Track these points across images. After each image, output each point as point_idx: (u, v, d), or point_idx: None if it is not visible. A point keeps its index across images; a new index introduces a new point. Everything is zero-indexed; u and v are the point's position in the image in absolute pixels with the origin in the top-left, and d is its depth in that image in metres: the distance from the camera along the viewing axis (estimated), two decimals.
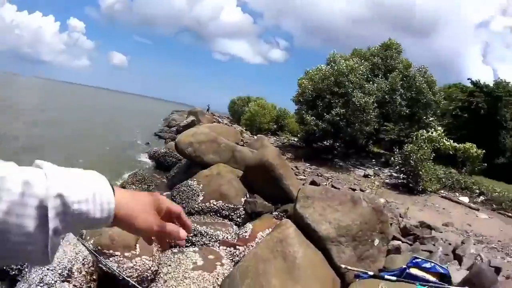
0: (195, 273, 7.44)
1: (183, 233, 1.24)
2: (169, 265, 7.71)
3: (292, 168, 16.40)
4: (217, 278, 7.40)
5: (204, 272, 7.50)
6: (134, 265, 6.99)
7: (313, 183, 13.80)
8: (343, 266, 7.12)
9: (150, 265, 7.23)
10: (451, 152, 23.82)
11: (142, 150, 22.47)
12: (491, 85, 34.76)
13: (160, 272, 7.53)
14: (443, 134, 23.70)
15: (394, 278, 6.59)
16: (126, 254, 7.03)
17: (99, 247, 6.92)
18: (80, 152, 20.43)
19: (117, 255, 6.97)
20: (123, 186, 12.47)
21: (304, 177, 16.28)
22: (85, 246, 6.76)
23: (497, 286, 5.78)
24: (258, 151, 13.12)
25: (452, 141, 24.41)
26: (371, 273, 6.94)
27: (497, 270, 8.08)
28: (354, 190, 14.77)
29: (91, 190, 0.92)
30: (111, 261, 6.87)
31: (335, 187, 14.30)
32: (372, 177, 19.42)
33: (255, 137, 24.93)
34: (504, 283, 6.09)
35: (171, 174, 15.58)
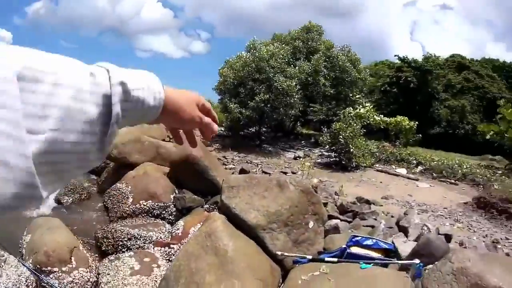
0: (134, 278, 7.47)
1: (215, 126, 1.39)
2: (108, 274, 7.65)
3: (219, 159, 16.85)
4: (156, 281, 7.43)
5: (143, 277, 7.55)
6: (73, 279, 6.95)
7: (242, 171, 13.93)
8: (279, 253, 7.07)
9: (89, 277, 7.21)
10: (382, 127, 24.37)
11: None
12: (420, 60, 35.93)
13: (101, 283, 7.48)
14: (372, 110, 24.15)
15: (335, 259, 6.60)
16: (63, 268, 6.98)
17: (38, 266, 6.85)
18: None
19: (55, 271, 6.91)
20: (58, 200, 12.54)
21: (234, 166, 16.40)
22: (25, 266, 6.71)
23: (450, 254, 5.67)
24: (181, 146, 12.90)
25: (382, 116, 24.95)
26: (309, 256, 6.98)
27: (448, 237, 8.39)
28: (285, 173, 15.14)
29: (145, 82, 0.99)
30: (51, 278, 6.81)
31: (265, 173, 14.60)
32: (303, 159, 19.42)
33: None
34: (457, 251, 5.91)
35: (101, 179, 15.24)
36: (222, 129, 27.50)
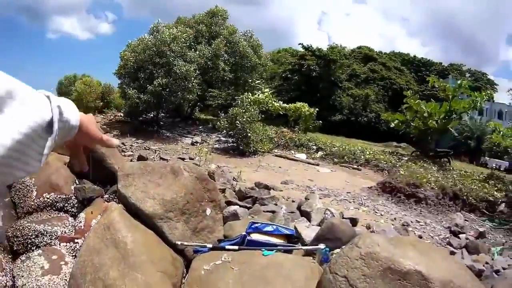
0: (46, 278, 7.41)
1: (116, 141, 1.60)
2: (22, 276, 7.55)
3: (119, 145, 16.55)
4: (66, 280, 7.38)
5: (53, 276, 7.48)
6: None
7: (140, 157, 14.06)
8: (178, 242, 7.09)
9: (5, 281, 7.14)
10: (281, 113, 25.14)
11: None
12: (325, 49, 37.01)
13: (17, 286, 7.43)
14: (271, 96, 24.83)
15: (236, 247, 6.73)
16: None
17: None
18: None
19: None
20: None
21: (132, 153, 16.49)
22: None
23: (357, 239, 5.55)
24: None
25: (281, 102, 25.72)
26: (209, 245, 7.09)
27: (353, 221, 8.89)
28: (183, 159, 15.32)
29: (69, 106, 1.19)
30: None
31: (163, 159, 14.97)
32: (200, 144, 20.03)
33: None
34: (364, 235, 5.82)
35: None
36: (121, 114, 27.54)
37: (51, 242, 8.88)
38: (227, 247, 6.84)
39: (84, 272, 6.59)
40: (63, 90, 41.02)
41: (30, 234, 8.96)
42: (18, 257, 8.47)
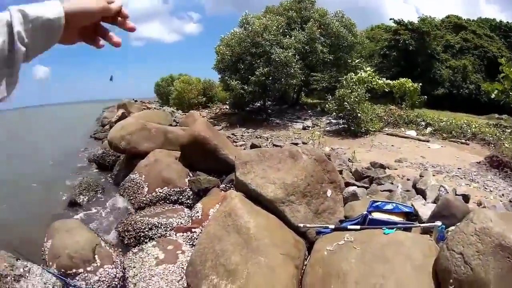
0: (160, 268, 7.33)
1: (125, 11, 1.43)
2: (134, 267, 7.54)
3: (229, 136, 16.70)
4: (182, 268, 7.28)
5: (169, 265, 7.39)
6: (100, 277, 6.80)
7: (253, 146, 13.73)
8: (301, 225, 6.91)
9: (115, 273, 7.06)
10: (386, 90, 24.12)
11: (82, 156, 21.68)
12: (416, 22, 35.47)
13: (128, 277, 7.37)
14: (373, 74, 23.89)
15: (357, 227, 6.48)
16: (88, 268, 6.84)
17: (62, 270, 6.72)
18: (22, 177, 19.92)
19: (81, 273, 6.78)
20: (74, 201, 12.53)
21: (244, 142, 16.24)
22: (50, 272, 6.56)
23: (471, 214, 5.25)
24: (188, 128, 12.97)
25: (385, 79, 24.66)
26: (332, 226, 6.84)
27: (466, 198, 8.24)
28: (296, 144, 14.81)
29: (43, 5, 1.13)
30: (77, 280, 6.68)
31: (276, 146, 14.38)
32: (311, 128, 19.31)
33: (186, 114, 24.38)
34: (478, 211, 5.45)
35: (114, 173, 15.32)
36: (227, 107, 27.59)
37: (165, 233, 8.91)
38: (349, 227, 6.61)
39: (204, 259, 6.45)
40: (162, 91, 42.35)
41: (143, 227, 9.03)
42: (129, 250, 8.48)
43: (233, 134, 18.62)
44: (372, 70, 24.73)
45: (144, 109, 27.14)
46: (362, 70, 23.92)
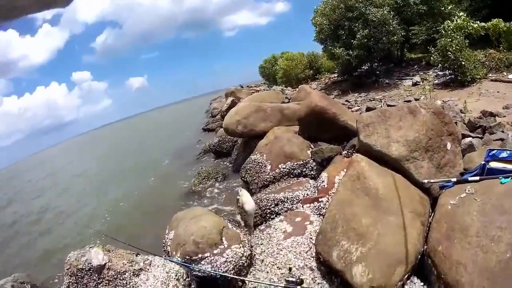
0: (288, 241, 7.27)
1: None
2: (261, 244, 7.55)
3: (343, 103, 16.17)
4: (311, 238, 7.14)
5: (297, 237, 7.31)
6: (227, 259, 6.78)
7: (368, 109, 13.34)
8: (425, 181, 6.78)
9: (242, 252, 7.01)
10: (482, 34, 23.00)
11: (198, 148, 22.22)
12: None
13: (255, 254, 7.34)
14: (467, 19, 22.88)
15: (477, 178, 6.28)
16: (215, 251, 6.85)
17: (187, 257, 6.79)
18: (142, 174, 20.86)
19: (207, 257, 6.79)
20: (195, 191, 13.00)
21: (359, 107, 15.95)
22: (173, 261, 6.68)
23: None
24: (304, 101, 12.55)
25: (478, 22, 23.55)
26: (454, 179, 6.66)
27: None
28: (409, 101, 14.14)
29: None
30: (203, 264, 6.71)
31: (390, 105, 13.82)
32: (421, 83, 18.64)
33: (297, 89, 24.32)
34: None
35: (233, 158, 15.47)
36: (335, 75, 27.44)
37: (292, 207, 8.74)
38: (469, 179, 6.40)
39: (335, 226, 6.35)
40: (267, 72, 42.50)
41: (268, 204, 8.94)
42: (255, 228, 8.49)
43: (346, 100, 18.34)
44: (465, 15, 23.54)
45: (253, 92, 27.03)
46: (456, 16, 22.88)
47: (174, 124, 52.65)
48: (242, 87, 35.39)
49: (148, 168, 22.92)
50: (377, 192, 6.48)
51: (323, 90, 23.59)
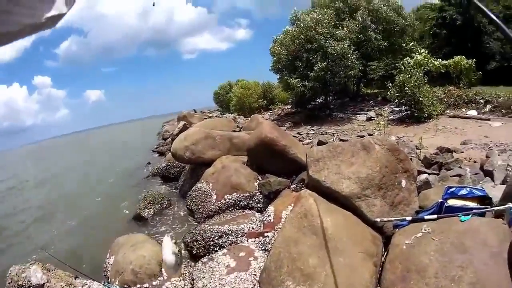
0: (231, 276, 6.91)
1: None
2: (203, 277, 7.12)
3: (295, 136, 16.32)
4: (255, 275, 6.81)
5: (240, 273, 6.95)
6: None
7: (320, 143, 13.24)
8: (378, 219, 6.41)
9: (182, 285, 6.74)
10: (443, 71, 23.34)
11: (146, 171, 21.71)
12: None
13: None
14: (428, 56, 23.18)
15: (434, 216, 6.07)
16: (154, 283, 6.58)
17: (125, 286, 6.47)
18: (85, 194, 20.19)
19: (146, 287, 6.50)
20: (138, 215, 12.54)
21: (310, 140, 15.86)
22: None
23: None
24: (254, 131, 12.36)
25: (440, 59, 23.87)
26: (409, 218, 6.39)
27: None
28: (362, 137, 14.20)
29: None
30: None
31: (343, 140, 13.80)
32: (376, 118, 18.85)
33: (249, 119, 24.16)
34: None
35: (180, 184, 15.12)
36: (289, 107, 27.55)
37: (237, 240, 8.48)
38: (426, 217, 6.21)
39: (280, 264, 6.04)
40: (221, 99, 42.74)
41: (212, 236, 8.65)
42: (198, 260, 8.13)
43: (298, 133, 18.31)
44: (426, 52, 23.93)
45: (205, 118, 26.86)
46: (417, 53, 23.21)
47: (126, 142, 52.01)
48: (195, 111, 35.26)
49: (95, 187, 22.02)
50: (325, 231, 6.13)
51: (275, 121, 23.68)
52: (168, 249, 7.48)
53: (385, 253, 6.20)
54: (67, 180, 27.84)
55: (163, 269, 6.77)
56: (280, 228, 7.68)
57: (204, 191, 10.90)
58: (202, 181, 11.46)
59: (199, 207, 10.68)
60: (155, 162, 23.03)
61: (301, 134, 17.82)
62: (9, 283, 6.32)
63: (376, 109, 21.58)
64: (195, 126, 18.68)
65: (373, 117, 19.33)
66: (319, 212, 6.42)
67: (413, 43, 25.39)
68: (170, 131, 30.77)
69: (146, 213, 12.50)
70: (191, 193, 11.41)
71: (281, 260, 6.07)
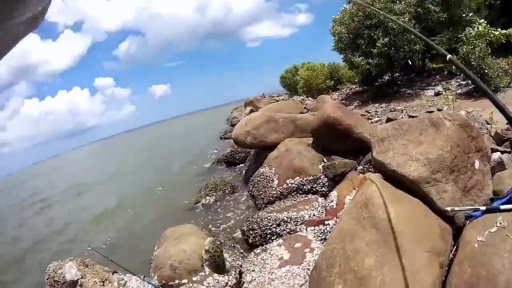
0: (283, 270, 6.26)
1: None
2: (253, 270, 6.58)
3: (363, 114, 15.57)
4: (308, 269, 6.07)
5: (293, 266, 6.27)
6: (207, 287, 6.02)
7: (389, 120, 12.23)
8: (448, 209, 5.25)
9: (226, 281, 6.18)
10: (504, 41, 22.15)
11: (212, 158, 21.48)
12: None
13: (244, 282, 6.40)
14: (488, 26, 22.09)
15: (510, 206, 4.96)
16: (194, 279, 6.09)
17: (163, 281, 6.07)
18: (150, 183, 20.45)
19: (184, 284, 6.03)
20: (199, 203, 12.37)
21: (379, 118, 15.02)
22: (150, 283, 6.04)
23: None
24: (317, 112, 11.62)
25: (500, 29, 22.72)
26: (483, 208, 5.18)
27: None
28: (431, 112, 13.25)
29: None
30: None
31: (412, 117, 12.80)
32: (444, 93, 17.65)
33: (317, 99, 23.22)
34: None
35: (245, 169, 14.62)
36: (356, 86, 26.90)
37: (296, 228, 7.75)
38: (501, 207, 5.00)
39: (332, 263, 5.14)
40: (288, 82, 41.53)
41: (270, 224, 8.01)
42: (254, 249, 7.61)
43: (366, 111, 17.45)
44: (485, 22, 22.78)
45: (273, 102, 26.33)
46: (476, 23, 22.11)
47: (193, 131, 52.45)
48: (264, 96, 34.86)
49: (158, 175, 22.42)
50: (387, 225, 5.10)
51: (344, 101, 22.84)
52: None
53: (454, 248, 5.12)
54: (130, 174, 28.40)
55: (205, 264, 6.27)
56: (340, 218, 6.55)
57: (266, 176, 10.39)
58: (265, 165, 10.97)
59: (261, 192, 10.14)
60: (221, 149, 22.76)
61: (369, 112, 16.95)
62: (47, 279, 6.21)
63: (443, 83, 20.24)
64: (260, 110, 18.16)
65: (441, 92, 18.08)
66: (383, 200, 5.42)
67: (471, 14, 24.37)
68: (238, 117, 30.51)
69: (207, 201, 12.17)
70: (253, 178, 10.95)
71: (334, 257, 5.22)
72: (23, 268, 12.51)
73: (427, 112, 13.68)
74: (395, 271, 4.46)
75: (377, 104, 18.90)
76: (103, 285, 5.88)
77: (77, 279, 5.89)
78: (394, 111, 16.09)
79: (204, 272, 6.12)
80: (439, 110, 13.75)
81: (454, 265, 4.64)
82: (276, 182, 9.95)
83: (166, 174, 21.68)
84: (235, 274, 6.35)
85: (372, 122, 13.70)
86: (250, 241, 8.01)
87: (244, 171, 14.47)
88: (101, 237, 12.85)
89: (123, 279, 6.03)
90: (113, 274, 6.16)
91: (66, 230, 16.34)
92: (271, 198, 9.66)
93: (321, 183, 9.40)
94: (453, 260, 4.77)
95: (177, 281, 5.98)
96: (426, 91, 19.79)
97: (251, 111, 22.88)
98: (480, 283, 4.05)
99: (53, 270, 6.15)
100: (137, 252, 9.78)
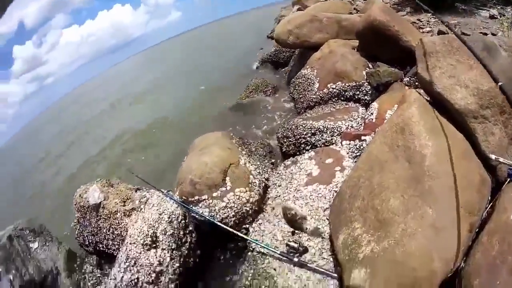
0: (310, 188, 5.67)
1: None
2: (279, 186, 6.18)
3: (414, 22, 14.05)
4: (335, 192, 5.38)
5: (320, 186, 5.64)
6: (227, 204, 5.68)
7: (440, 33, 11.22)
8: (493, 156, 3.96)
9: (247, 197, 5.79)
10: None
11: (257, 57, 20.62)
12: None
13: (269, 198, 6.04)
14: None
15: None
16: (214, 194, 5.76)
17: (184, 197, 5.86)
18: (191, 81, 21.15)
19: (205, 200, 5.75)
20: (237, 106, 12.17)
21: (430, 28, 13.40)
22: (172, 199, 5.79)
23: None
24: (364, 14, 10.72)
25: None
26: None
27: None
28: (485, 34, 12.36)
29: None
30: (199, 207, 5.76)
31: (465, 34, 11.75)
32: (499, 18, 16.66)
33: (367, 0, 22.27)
34: None
35: (288, 70, 14.05)
36: None
37: (332, 139, 7.15)
38: None
39: (355, 194, 4.38)
40: None
41: (305, 132, 7.45)
42: (285, 159, 7.23)
43: (418, 19, 15.83)
44: None
45: (321, 1, 25.33)
46: None
47: (244, 29, 51.20)
48: None
49: (200, 77, 22.39)
50: (422, 161, 4.04)
51: (395, 5, 21.52)
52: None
53: (489, 206, 3.81)
54: (178, 76, 28.39)
55: (227, 178, 5.93)
56: (372, 140, 5.54)
57: (308, 78, 9.72)
58: (307, 66, 10.25)
59: (301, 96, 9.59)
60: (267, 48, 21.66)
61: (421, 21, 15.12)
62: (74, 205, 6.31)
63: (498, 7, 19.48)
64: (308, 9, 16.97)
65: (496, 16, 17.29)
66: (420, 129, 4.37)
67: None
68: (286, 16, 29.76)
69: (247, 102, 11.82)
70: (294, 80, 10.32)
71: (358, 188, 4.43)
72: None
73: (480, 33, 12.68)
74: (419, 223, 3.61)
75: (430, 14, 17.82)
76: (124, 205, 5.81)
77: (100, 202, 5.91)
78: (447, 23, 15.07)
79: (225, 187, 5.85)
80: (493, 34, 12.92)
81: (483, 235, 3.48)
82: (317, 85, 9.32)
83: (212, 76, 21.38)
84: (258, 190, 6.02)
85: (423, 32, 12.54)
86: (284, 150, 7.66)
87: (287, 72, 13.83)
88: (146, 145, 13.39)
89: (145, 196, 5.91)
90: (136, 191, 6.10)
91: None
92: (310, 103, 9.14)
93: (364, 91, 8.65)
94: (486, 222, 3.64)
95: (196, 197, 5.77)
96: (481, 11, 18.58)
97: (299, 9, 21.84)
98: (504, 267, 3.01)
99: (80, 195, 6.19)
100: (169, 167, 9.68)
